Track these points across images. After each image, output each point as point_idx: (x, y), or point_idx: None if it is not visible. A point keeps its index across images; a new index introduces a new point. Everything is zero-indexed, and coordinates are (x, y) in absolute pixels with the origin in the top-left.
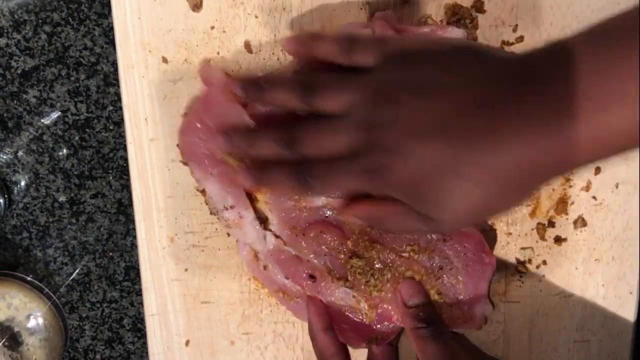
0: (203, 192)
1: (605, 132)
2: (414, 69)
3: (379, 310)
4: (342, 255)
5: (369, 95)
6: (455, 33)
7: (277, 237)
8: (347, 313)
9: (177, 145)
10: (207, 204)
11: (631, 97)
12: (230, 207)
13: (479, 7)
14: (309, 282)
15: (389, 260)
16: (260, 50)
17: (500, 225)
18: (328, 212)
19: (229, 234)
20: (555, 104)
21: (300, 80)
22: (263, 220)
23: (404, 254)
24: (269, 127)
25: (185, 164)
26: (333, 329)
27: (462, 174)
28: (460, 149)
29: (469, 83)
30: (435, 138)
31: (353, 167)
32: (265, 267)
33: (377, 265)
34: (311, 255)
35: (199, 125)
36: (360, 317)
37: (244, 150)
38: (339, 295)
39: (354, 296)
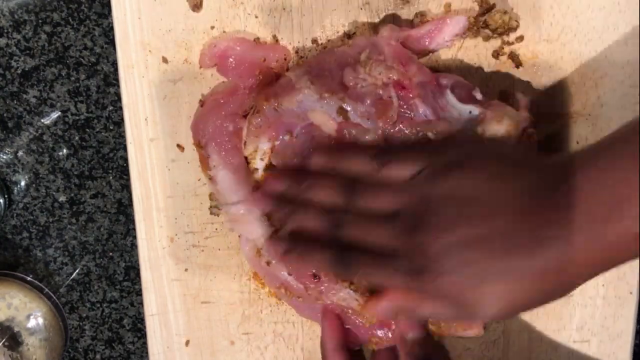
0: (211, 180)
1: (622, 238)
2: (452, 180)
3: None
4: None
5: (412, 203)
6: (457, 21)
7: None
8: (348, 314)
9: (191, 127)
10: (211, 199)
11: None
12: (239, 201)
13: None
14: (312, 281)
15: None
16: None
17: None
18: None
19: (232, 230)
20: (591, 212)
21: (345, 182)
22: (269, 216)
23: None
24: (315, 202)
25: (200, 146)
26: (345, 348)
27: (505, 280)
28: (504, 257)
29: (510, 195)
30: (481, 247)
31: (398, 266)
32: (268, 263)
33: None
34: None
35: (222, 112)
36: (361, 321)
37: (284, 217)
38: (341, 296)
39: (356, 299)
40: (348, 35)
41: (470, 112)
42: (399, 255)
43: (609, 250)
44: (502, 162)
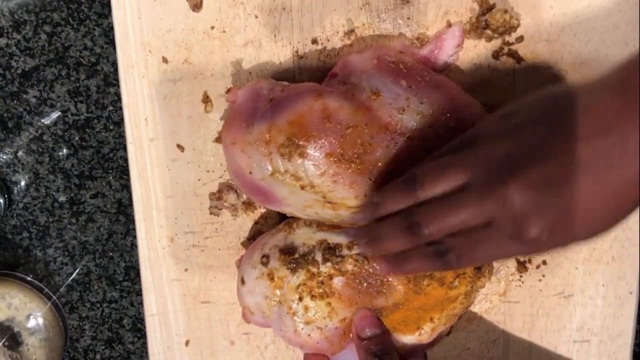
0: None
1: None
2: (513, 133)
3: None
4: None
5: (479, 165)
6: (453, 33)
7: None
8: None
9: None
10: (210, 199)
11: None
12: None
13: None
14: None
15: None
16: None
17: None
18: None
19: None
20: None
21: (402, 180)
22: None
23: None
24: (388, 221)
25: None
26: None
27: (593, 199)
28: (585, 183)
29: (564, 125)
30: (559, 187)
31: (494, 235)
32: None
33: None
34: None
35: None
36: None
37: (377, 251)
38: None
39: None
40: (348, 35)
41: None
42: (492, 223)
43: None
44: (543, 101)
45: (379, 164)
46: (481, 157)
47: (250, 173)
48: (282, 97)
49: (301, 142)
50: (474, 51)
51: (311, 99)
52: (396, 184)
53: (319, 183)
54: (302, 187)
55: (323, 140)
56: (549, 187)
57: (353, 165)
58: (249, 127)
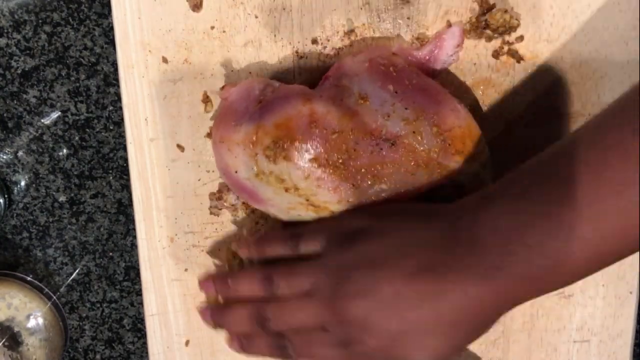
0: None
1: (530, 274)
2: (357, 246)
3: None
4: None
5: (324, 276)
6: (452, 33)
7: None
8: None
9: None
10: (210, 199)
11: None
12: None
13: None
14: None
15: None
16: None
17: None
18: None
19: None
20: (483, 260)
21: (260, 275)
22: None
23: None
24: (244, 304)
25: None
26: None
27: (422, 331)
28: (413, 312)
29: (408, 252)
30: (390, 308)
31: (327, 339)
32: None
33: None
34: None
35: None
36: None
37: (227, 329)
38: None
39: None
40: (348, 35)
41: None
42: (327, 329)
43: (504, 288)
44: (405, 219)
45: (363, 170)
46: (326, 268)
47: (236, 172)
48: (272, 99)
49: (286, 146)
50: (474, 51)
51: (299, 103)
52: (254, 275)
53: (303, 186)
54: (287, 190)
55: (308, 145)
56: (379, 308)
57: (337, 170)
58: (238, 127)
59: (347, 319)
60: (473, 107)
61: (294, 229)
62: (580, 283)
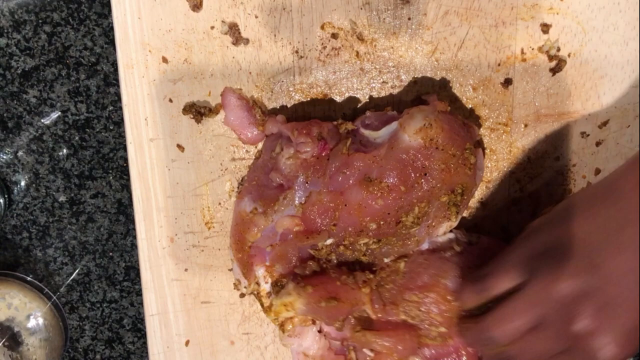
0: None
1: None
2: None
3: None
4: None
5: (550, 310)
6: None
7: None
8: None
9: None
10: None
11: None
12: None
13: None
14: None
15: None
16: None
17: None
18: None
19: (285, 345)
20: None
21: (481, 339)
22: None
23: None
24: None
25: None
26: None
27: None
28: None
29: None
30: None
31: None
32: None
33: None
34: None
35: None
36: None
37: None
38: None
39: None
40: (348, 35)
41: (390, 130)
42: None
43: None
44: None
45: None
46: (550, 295)
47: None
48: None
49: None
50: (474, 51)
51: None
52: (479, 330)
53: None
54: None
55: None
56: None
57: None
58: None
59: (588, 338)
60: (473, 108)
61: (479, 278)
62: None
